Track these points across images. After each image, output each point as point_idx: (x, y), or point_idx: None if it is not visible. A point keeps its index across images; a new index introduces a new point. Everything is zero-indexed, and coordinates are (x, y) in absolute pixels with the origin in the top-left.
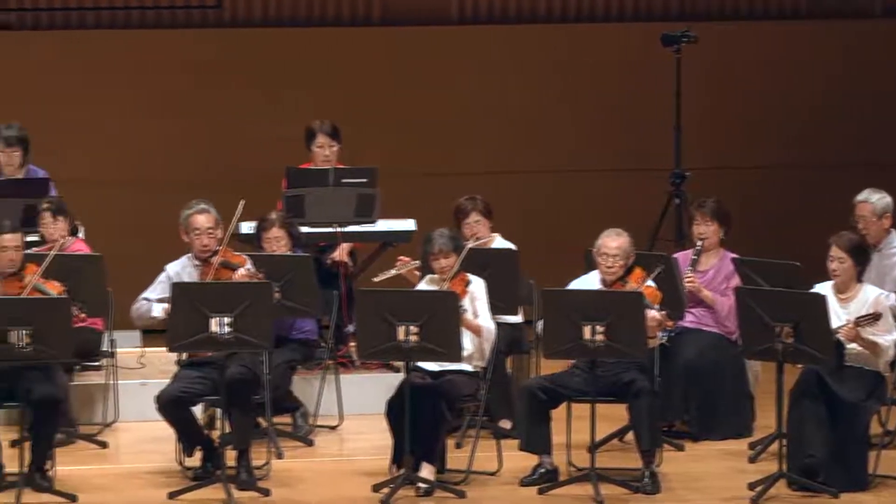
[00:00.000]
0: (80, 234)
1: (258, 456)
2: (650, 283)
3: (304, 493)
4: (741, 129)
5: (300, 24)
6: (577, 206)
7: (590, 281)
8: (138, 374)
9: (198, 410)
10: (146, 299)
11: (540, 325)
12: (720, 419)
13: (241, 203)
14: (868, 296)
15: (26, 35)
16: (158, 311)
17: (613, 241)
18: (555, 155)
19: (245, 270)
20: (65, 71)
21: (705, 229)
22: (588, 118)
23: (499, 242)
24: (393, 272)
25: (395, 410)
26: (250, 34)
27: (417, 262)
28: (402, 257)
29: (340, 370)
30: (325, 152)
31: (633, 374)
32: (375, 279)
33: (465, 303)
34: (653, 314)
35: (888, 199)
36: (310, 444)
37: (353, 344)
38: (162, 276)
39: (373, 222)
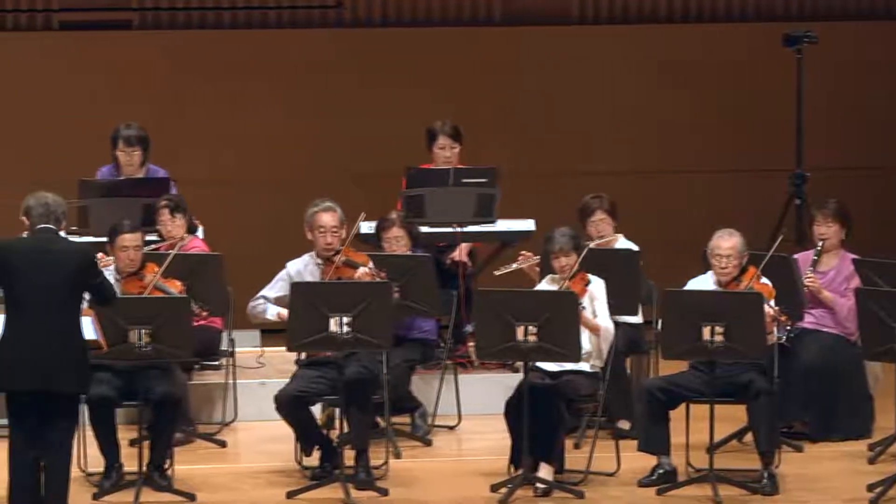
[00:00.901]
0: (199, 234)
1: (376, 456)
2: (764, 280)
3: (421, 492)
4: (863, 130)
5: (420, 24)
6: (698, 206)
7: (704, 282)
8: (257, 373)
9: (316, 410)
10: (264, 297)
11: (660, 324)
12: (839, 420)
13: (362, 216)
14: None
15: (147, 34)
16: (273, 314)
17: (726, 242)
18: (675, 155)
19: (366, 269)
20: (184, 71)
21: (826, 230)
22: (709, 119)
23: (622, 243)
24: (514, 266)
25: (514, 411)
26: (370, 34)
27: (538, 257)
28: (524, 252)
29: (459, 370)
30: (445, 153)
31: (752, 375)
32: (497, 272)
33: (585, 302)
34: (766, 310)
35: None
36: (428, 443)
37: (471, 344)
38: (282, 274)
39: (492, 222)
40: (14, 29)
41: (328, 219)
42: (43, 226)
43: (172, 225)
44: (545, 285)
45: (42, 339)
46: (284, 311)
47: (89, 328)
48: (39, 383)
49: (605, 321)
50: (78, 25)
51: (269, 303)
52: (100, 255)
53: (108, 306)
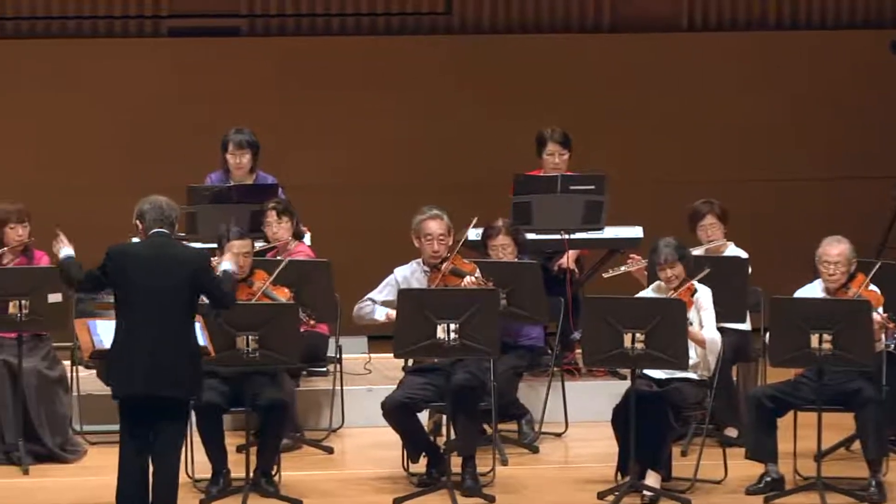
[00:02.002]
0: (307, 240)
1: (483, 462)
2: (873, 287)
3: (528, 499)
4: None
5: (529, 30)
6: (806, 213)
7: (813, 289)
8: (364, 379)
9: (423, 416)
10: (371, 300)
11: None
12: None
13: (474, 220)
14: None
15: (255, 41)
16: (381, 314)
17: (834, 249)
18: (783, 162)
19: (473, 279)
20: (292, 77)
21: None
22: (816, 125)
23: (731, 250)
24: (623, 269)
25: (621, 418)
26: (479, 41)
27: (647, 260)
28: (633, 255)
29: (566, 377)
30: (554, 160)
31: (861, 383)
32: (605, 275)
33: (691, 314)
34: (875, 317)
35: None
36: (535, 450)
37: (579, 351)
38: (390, 279)
39: (600, 229)
40: (123, 35)
41: (435, 226)
42: (157, 230)
43: (278, 227)
44: (651, 294)
45: (156, 345)
46: (393, 312)
47: (197, 334)
48: (154, 389)
49: (711, 332)
50: (187, 32)
51: (377, 304)
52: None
53: (224, 309)
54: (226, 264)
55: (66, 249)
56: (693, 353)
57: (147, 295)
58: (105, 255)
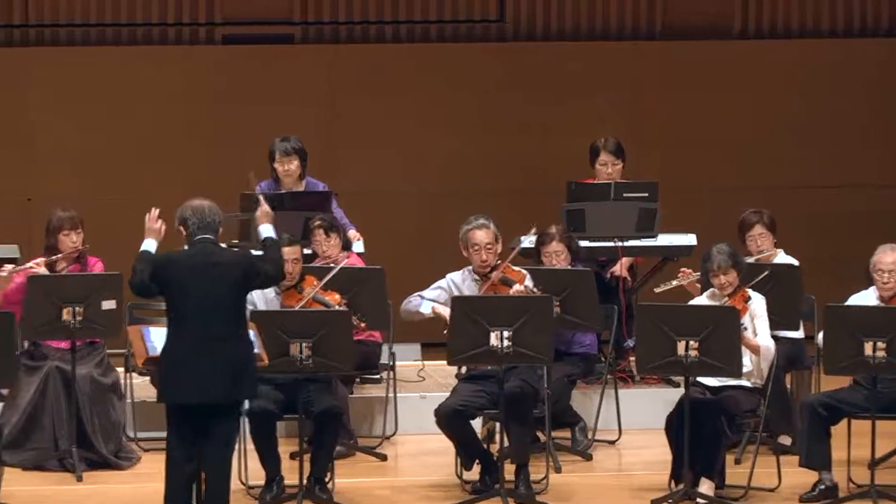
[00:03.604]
0: (359, 248)
1: (537, 470)
2: None
3: None
4: None
5: (582, 38)
6: (860, 220)
7: (866, 297)
8: (418, 386)
9: (477, 424)
10: (419, 296)
11: (820, 339)
12: None
13: (533, 228)
14: None
15: (308, 49)
16: (427, 308)
17: (889, 257)
18: (835, 169)
19: (522, 287)
20: (345, 85)
21: None
22: (868, 132)
23: (781, 258)
24: (674, 283)
25: (675, 425)
26: (532, 48)
27: (699, 274)
28: (684, 269)
29: (620, 384)
30: (607, 170)
31: None
32: (657, 290)
33: (745, 321)
34: None
35: None
36: (588, 458)
37: (632, 358)
38: (442, 282)
39: (653, 237)
40: (177, 42)
41: (482, 236)
42: (203, 236)
43: (327, 245)
44: (705, 301)
45: (208, 352)
46: (440, 307)
47: (252, 341)
48: (207, 396)
49: (765, 340)
50: (241, 39)
51: (425, 299)
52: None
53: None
54: (266, 228)
55: (148, 241)
56: (747, 361)
57: (196, 301)
58: (152, 263)
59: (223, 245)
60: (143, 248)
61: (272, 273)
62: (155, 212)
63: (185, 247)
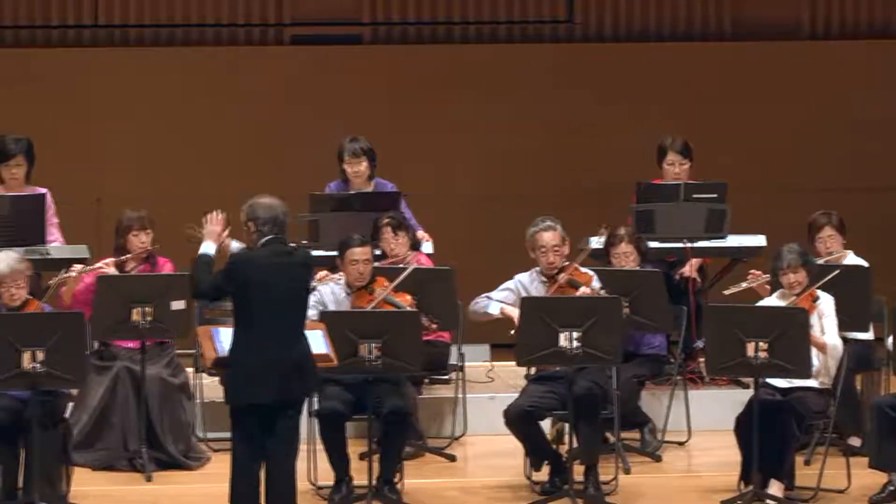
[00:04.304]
0: (427, 249)
1: (606, 471)
2: None
3: None
4: None
5: (650, 38)
6: None
7: None
8: (487, 387)
9: (546, 425)
10: (487, 297)
11: (890, 341)
12: None
13: (603, 229)
14: None
15: (377, 49)
16: (495, 309)
17: None
18: None
19: (589, 290)
20: (414, 85)
21: None
22: None
23: (850, 259)
24: (744, 285)
25: (744, 426)
26: (601, 49)
27: (768, 276)
28: (753, 271)
29: (689, 385)
30: (675, 170)
31: None
32: (726, 292)
33: (813, 319)
34: None
35: None
36: (658, 459)
37: (701, 359)
38: (510, 283)
39: (723, 237)
40: (247, 43)
41: (548, 238)
42: (274, 236)
43: (395, 243)
44: (775, 301)
45: (280, 350)
46: (508, 308)
47: (320, 341)
48: (275, 396)
49: (832, 338)
50: (309, 40)
51: (493, 300)
52: (322, 273)
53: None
54: (206, 245)
55: (207, 244)
56: (815, 360)
57: (268, 302)
58: (229, 263)
59: (292, 244)
60: (202, 251)
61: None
62: (218, 215)
63: (260, 243)
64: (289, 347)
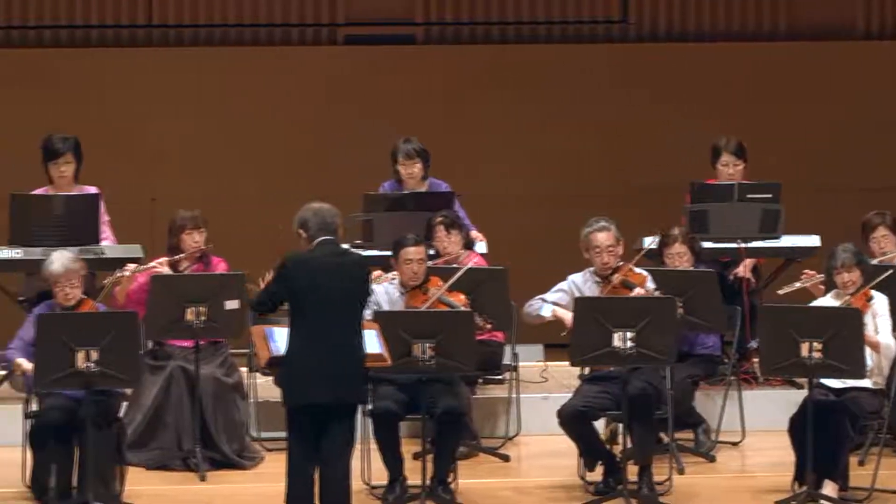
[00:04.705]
0: (480, 248)
1: (660, 471)
2: None
3: None
4: None
5: (705, 38)
6: None
7: None
8: (541, 387)
9: (600, 425)
10: (541, 299)
11: None
12: None
13: (659, 230)
14: None
15: (430, 49)
16: (548, 311)
17: None
18: None
19: (643, 290)
20: (466, 85)
21: None
22: None
23: None
24: (798, 285)
25: (798, 427)
26: (655, 49)
27: (822, 276)
28: (807, 271)
29: (743, 386)
30: (729, 171)
31: None
32: (780, 292)
33: (867, 318)
34: None
35: None
36: (711, 459)
37: (755, 359)
38: (564, 284)
39: (777, 238)
40: (300, 43)
41: (603, 238)
42: (324, 238)
43: (448, 241)
44: (829, 300)
45: (332, 352)
46: (561, 311)
47: (374, 342)
48: (331, 397)
49: (886, 338)
50: (362, 40)
51: (546, 302)
52: (376, 272)
53: None
54: None
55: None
56: (868, 359)
57: (323, 302)
58: (281, 264)
59: (346, 246)
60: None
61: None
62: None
63: (313, 245)
64: (344, 348)
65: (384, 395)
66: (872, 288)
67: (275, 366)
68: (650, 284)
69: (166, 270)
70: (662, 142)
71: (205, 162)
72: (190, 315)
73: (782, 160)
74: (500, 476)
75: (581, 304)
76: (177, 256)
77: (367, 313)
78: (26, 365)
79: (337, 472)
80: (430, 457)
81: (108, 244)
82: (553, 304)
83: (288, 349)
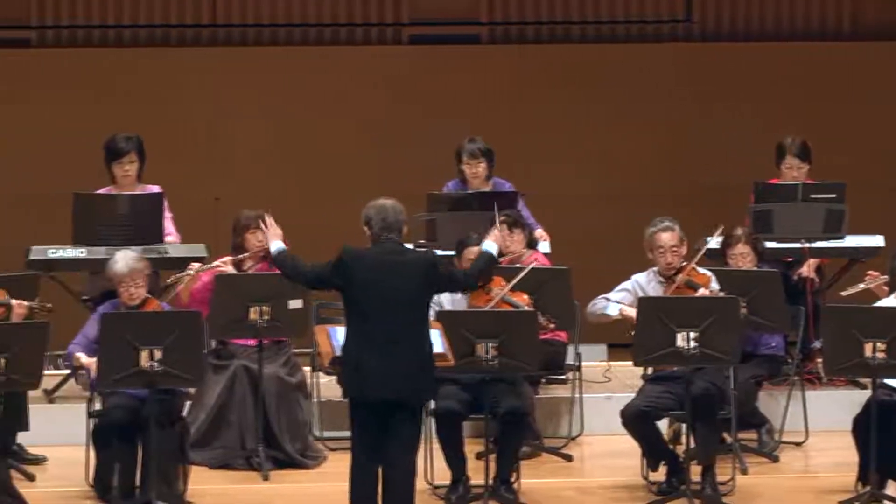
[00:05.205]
0: (542, 248)
1: (723, 471)
2: None
3: None
4: None
5: (769, 38)
6: None
7: None
8: (604, 387)
9: (663, 425)
10: (605, 298)
11: None
12: None
13: (720, 228)
14: None
15: (494, 49)
16: (614, 310)
17: None
18: None
19: (707, 291)
20: (531, 84)
21: None
22: None
23: None
24: (861, 286)
25: (862, 427)
26: (719, 48)
27: (886, 276)
28: (870, 272)
29: (807, 386)
30: (793, 172)
31: None
32: (843, 293)
33: None
34: None
35: None
36: (775, 459)
37: (819, 360)
38: (627, 284)
39: (841, 238)
40: (364, 43)
41: (667, 238)
42: (386, 236)
43: (511, 240)
44: (892, 301)
45: (390, 350)
46: (627, 309)
47: (437, 341)
48: (390, 393)
49: None
50: (427, 39)
51: (611, 301)
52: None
53: (477, 281)
54: (275, 244)
55: (275, 243)
56: None
57: (377, 299)
58: (338, 255)
59: (409, 245)
60: (276, 248)
61: (465, 284)
62: (268, 218)
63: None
64: (400, 346)
65: (447, 394)
66: None
67: (338, 365)
68: (714, 285)
69: (230, 270)
70: (726, 141)
71: (269, 161)
72: (253, 314)
73: (846, 160)
74: (563, 476)
75: (644, 304)
76: (241, 256)
77: (430, 313)
78: (85, 359)
79: (398, 472)
80: (492, 456)
81: (172, 240)
82: (617, 302)
83: (343, 345)
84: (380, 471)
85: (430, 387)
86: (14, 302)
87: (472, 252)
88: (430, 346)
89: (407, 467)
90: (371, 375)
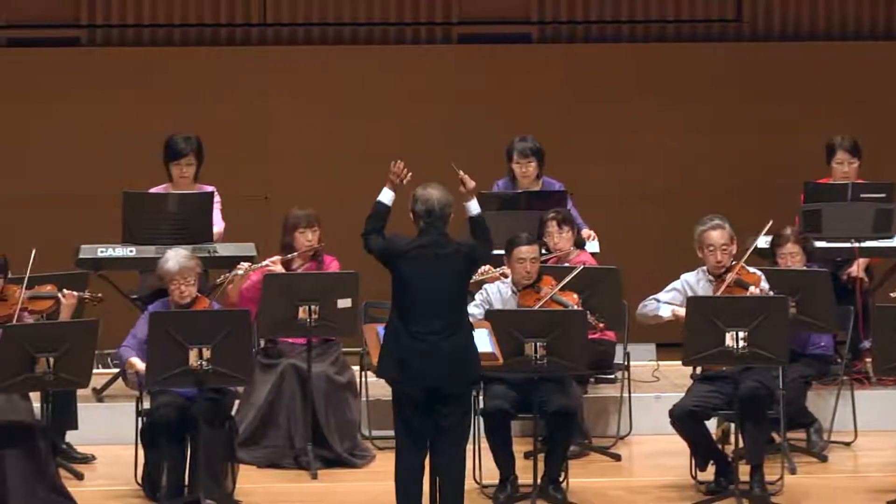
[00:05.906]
0: (590, 248)
1: (771, 471)
2: None
3: None
4: None
5: (819, 37)
6: None
7: None
8: (652, 387)
9: (711, 424)
10: (655, 299)
11: None
12: None
13: (769, 224)
14: None
15: (545, 48)
16: (667, 311)
17: None
18: None
19: (757, 290)
20: (582, 84)
21: None
22: None
23: None
24: None
25: None
26: (769, 48)
27: None
28: None
29: (856, 386)
30: (843, 169)
31: None
32: (893, 294)
33: None
34: None
35: None
36: (823, 459)
37: (868, 359)
38: (677, 283)
39: (890, 237)
40: (414, 42)
41: (717, 236)
42: (430, 226)
43: (559, 237)
44: None
45: (424, 339)
46: (679, 309)
47: (485, 340)
48: (431, 382)
49: None
50: (477, 38)
51: (662, 303)
52: (485, 267)
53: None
54: (473, 204)
55: (386, 191)
56: None
57: (420, 290)
58: (388, 239)
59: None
60: (381, 198)
61: (486, 254)
62: (400, 164)
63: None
64: (439, 338)
65: (496, 394)
66: None
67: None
68: (764, 284)
69: (279, 269)
70: (776, 140)
71: (317, 160)
72: (302, 314)
73: None
74: (612, 475)
75: (693, 304)
76: (290, 255)
77: (479, 312)
78: (140, 365)
79: (449, 468)
80: (541, 456)
81: (217, 230)
82: (667, 303)
83: (386, 333)
84: (426, 464)
85: (472, 374)
86: (65, 292)
87: (521, 251)
88: (472, 335)
89: (456, 463)
90: (411, 365)
